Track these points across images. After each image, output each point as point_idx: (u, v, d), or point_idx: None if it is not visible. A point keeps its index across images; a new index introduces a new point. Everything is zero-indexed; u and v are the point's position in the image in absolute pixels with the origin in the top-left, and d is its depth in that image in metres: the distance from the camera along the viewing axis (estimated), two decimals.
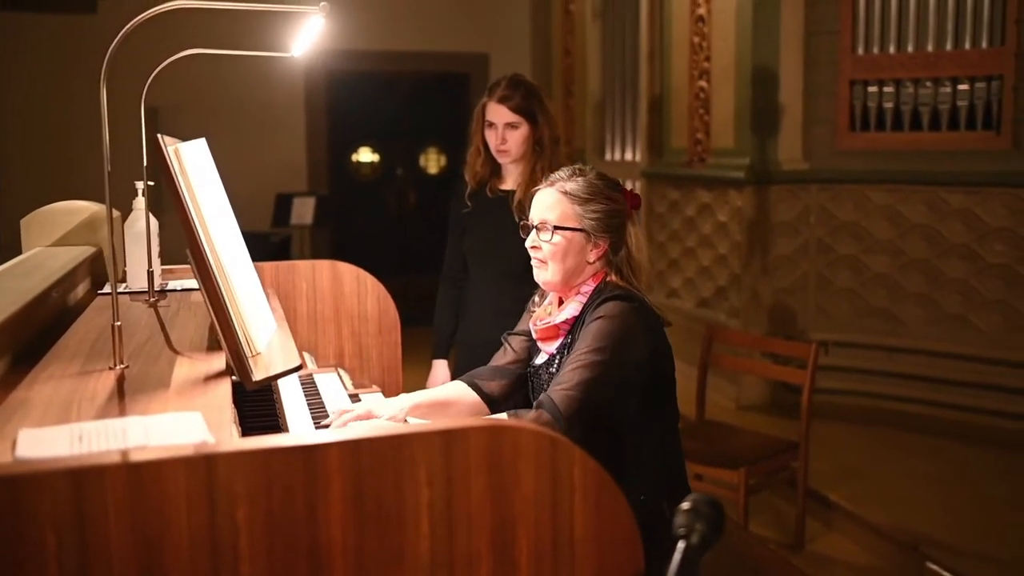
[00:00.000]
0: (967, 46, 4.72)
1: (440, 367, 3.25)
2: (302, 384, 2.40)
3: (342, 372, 2.75)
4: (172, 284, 2.64)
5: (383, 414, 2.03)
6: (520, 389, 2.26)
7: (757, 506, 4.00)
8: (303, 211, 7.36)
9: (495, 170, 3.11)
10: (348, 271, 2.98)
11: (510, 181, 3.08)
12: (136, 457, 1.11)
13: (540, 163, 3.00)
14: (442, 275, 3.29)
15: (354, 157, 8.61)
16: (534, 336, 2.18)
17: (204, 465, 1.13)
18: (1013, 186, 4.64)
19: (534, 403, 2.02)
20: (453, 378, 3.21)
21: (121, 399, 1.50)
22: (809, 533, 3.88)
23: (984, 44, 4.67)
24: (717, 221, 5.43)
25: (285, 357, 1.76)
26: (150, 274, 2.40)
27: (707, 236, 5.52)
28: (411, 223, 8.63)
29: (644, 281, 2.11)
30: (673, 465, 2.15)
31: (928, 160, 4.90)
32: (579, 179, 2.09)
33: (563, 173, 2.13)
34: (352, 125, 8.34)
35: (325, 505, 1.17)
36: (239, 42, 3.21)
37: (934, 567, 3.44)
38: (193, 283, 2.66)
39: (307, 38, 2.11)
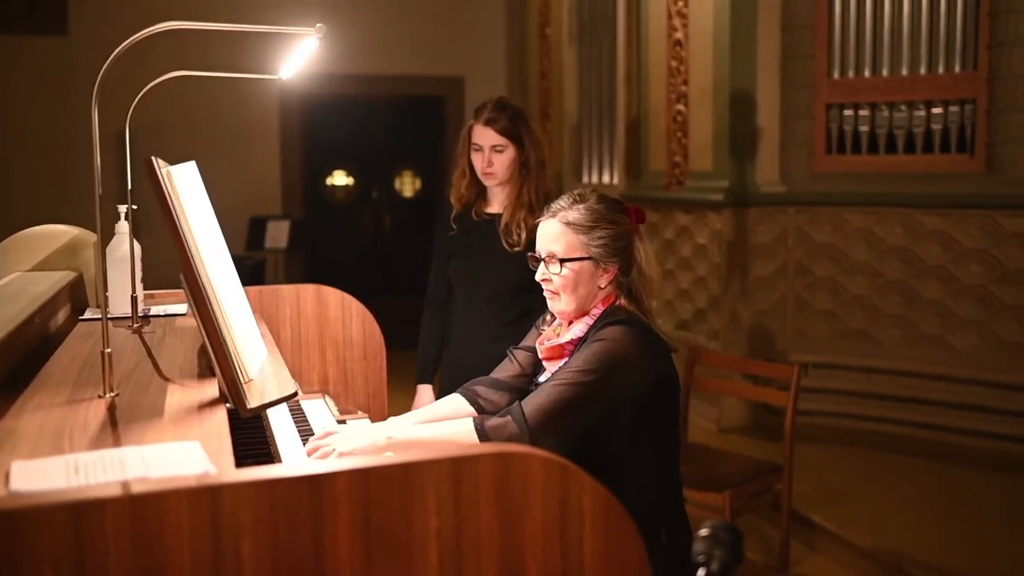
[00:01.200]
0: (940, 70, 4.79)
1: (425, 392, 3.22)
2: (290, 411, 2.36)
3: (328, 398, 2.71)
4: (155, 309, 2.59)
5: (358, 444, 1.95)
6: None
7: (741, 528, 3.98)
8: (277, 235, 7.30)
9: (481, 193, 3.09)
10: (333, 295, 2.94)
11: (496, 204, 3.06)
12: (137, 489, 1.08)
13: (526, 186, 2.99)
14: (426, 298, 3.26)
15: (329, 180, 8.57)
16: (540, 355, 2.17)
17: (208, 497, 1.10)
18: (987, 208, 4.69)
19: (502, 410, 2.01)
20: None
21: (114, 428, 1.46)
22: (793, 555, 3.87)
23: (957, 68, 4.75)
24: (696, 243, 5.44)
25: (279, 384, 1.73)
26: (134, 300, 2.36)
27: (686, 258, 5.53)
28: (387, 246, 8.59)
29: (656, 295, 2.11)
30: (671, 492, 2.13)
31: (904, 182, 4.95)
32: (580, 207, 2.08)
33: (563, 202, 2.11)
34: (327, 148, 8.31)
35: (332, 535, 1.15)
36: (213, 63, 3.19)
37: None
38: (176, 308, 2.62)
39: (298, 60, 2.09)
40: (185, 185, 1.82)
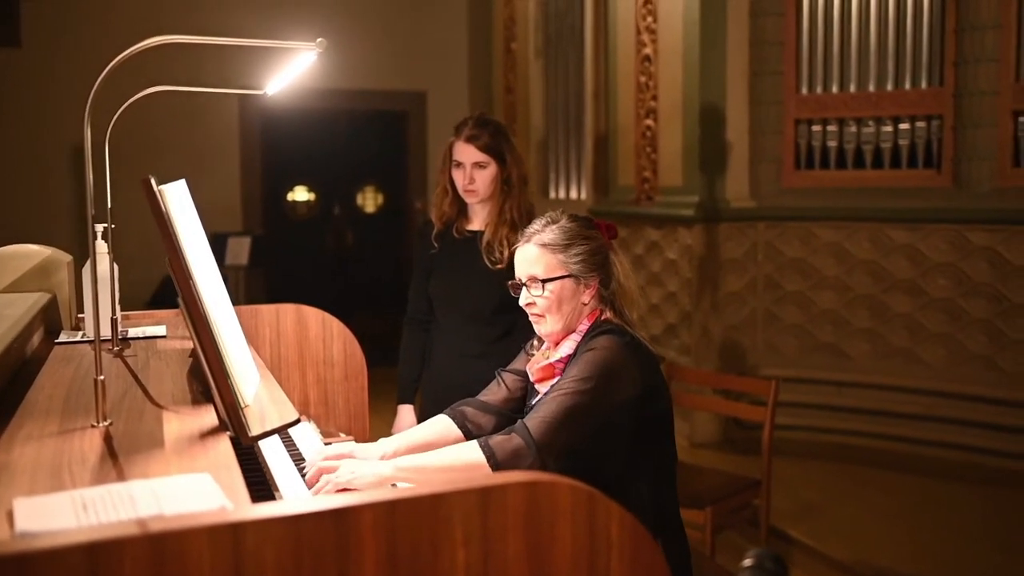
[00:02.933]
0: (907, 87, 4.86)
1: (406, 412, 3.16)
2: (279, 436, 2.29)
3: (310, 421, 2.65)
4: (132, 331, 2.51)
5: (358, 476, 1.89)
6: (504, 427, 2.20)
7: (719, 545, 3.97)
8: (238, 251, 7.18)
9: (462, 210, 3.05)
10: (313, 315, 2.88)
11: (477, 222, 3.02)
12: (155, 528, 1.02)
13: (508, 203, 2.95)
14: (406, 317, 3.20)
15: (290, 196, 8.46)
16: (531, 378, 2.17)
17: (230, 534, 1.04)
18: (954, 222, 4.76)
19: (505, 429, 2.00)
20: (419, 422, 3.14)
21: (115, 460, 1.39)
22: None
23: (924, 85, 4.82)
24: (666, 259, 5.45)
25: (279, 410, 1.67)
26: (114, 322, 2.28)
27: (656, 274, 5.53)
28: (349, 262, 8.50)
29: (636, 306, 2.14)
30: (667, 503, 2.12)
31: (872, 197, 5.01)
32: (553, 227, 2.10)
33: (537, 225, 2.14)
34: (287, 163, 8.20)
35: (357, 570, 1.10)
36: (178, 77, 3.10)
37: None
38: (155, 330, 2.54)
39: (289, 76, 2.03)
40: (177, 205, 1.76)
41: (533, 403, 2.15)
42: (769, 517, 3.77)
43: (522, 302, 2.12)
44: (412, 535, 1.11)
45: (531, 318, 2.13)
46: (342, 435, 2.75)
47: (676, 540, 2.11)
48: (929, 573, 3.60)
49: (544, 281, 2.06)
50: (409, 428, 3.12)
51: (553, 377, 2.09)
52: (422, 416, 3.13)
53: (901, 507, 4.29)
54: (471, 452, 1.91)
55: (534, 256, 2.09)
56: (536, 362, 2.15)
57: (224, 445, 1.47)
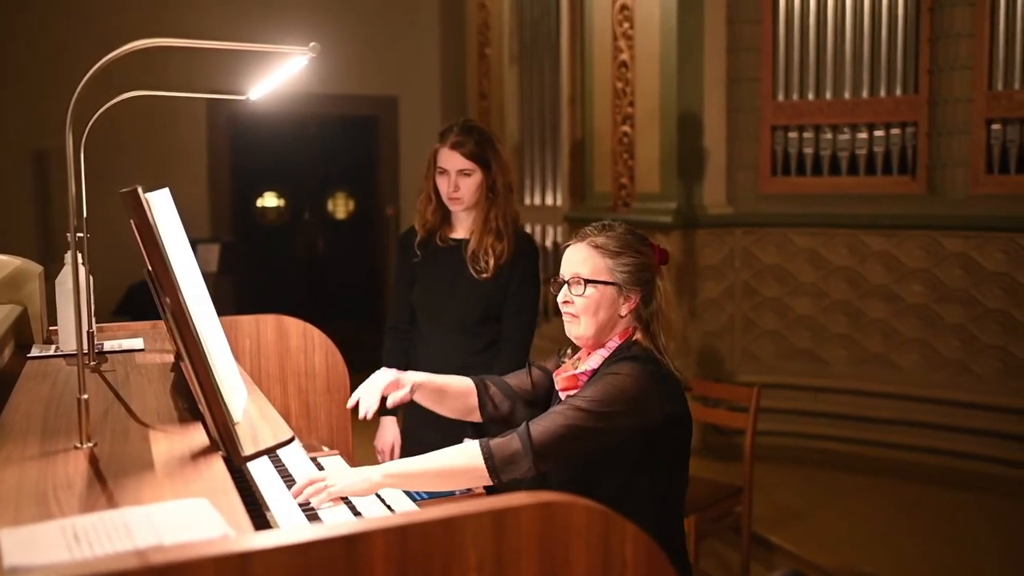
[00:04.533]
0: (882, 94, 4.88)
1: (389, 424, 3.11)
2: None
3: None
4: (108, 344, 2.44)
5: (347, 483, 1.90)
6: (519, 418, 2.20)
7: (700, 552, 3.96)
8: (208, 258, 7.07)
9: (446, 218, 2.99)
10: (295, 326, 2.81)
11: (461, 230, 2.97)
12: (157, 559, 0.96)
13: (493, 211, 2.91)
14: (387, 327, 3.14)
15: (259, 202, 8.33)
16: (556, 386, 2.15)
17: (237, 564, 0.99)
18: (929, 228, 4.79)
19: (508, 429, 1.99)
20: (402, 435, 3.08)
21: (104, 485, 1.33)
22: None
23: (899, 92, 4.85)
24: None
25: (272, 428, 1.61)
26: (90, 335, 2.21)
27: None
28: (320, 269, 8.40)
29: (675, 336, 2.12)
30: (671, 531, 2.10)
31: (848, 204, 5.02)
32: (609, 233, 2.09)
33: (592, 228, 2.12)
34: (256, 169, 8.07)
35: None
36: (143, 82, 3.01)
37: None
38: (132, 343, 2.47)
39: (275, 81, 1.97)
40: (163, 214, 1.69)
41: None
42: (751, 524, 3.76)
43: (560, 299, 2.10)
44: (424, 561, 1.07)
45: (564, 317, 2.11)
46: (325, 448, 2.70)
47: (678, 561, 2.08)
48: None
49: (588, 282, 2.04)
50: (393, 440, 3.07)
51: (576, 388, 2.08)
52: (405, 429, 3.08)
53: (880, 512, 4.31)
54: (470, 453, 1.91)
55: (583, 256, 2.07)
56: (564, 370, 2.14)
57: (218, 466, 1.41)
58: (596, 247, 2.06)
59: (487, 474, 1.88)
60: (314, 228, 8.46)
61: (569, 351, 2.22)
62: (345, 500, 1.95)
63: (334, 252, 8.43)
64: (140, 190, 1.45)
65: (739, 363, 5.36)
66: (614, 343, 2.07)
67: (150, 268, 1.61)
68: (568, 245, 2.14)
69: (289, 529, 1.04)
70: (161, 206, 1.70)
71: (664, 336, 2.07)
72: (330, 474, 1.93)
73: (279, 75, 1.91)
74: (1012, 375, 4.63)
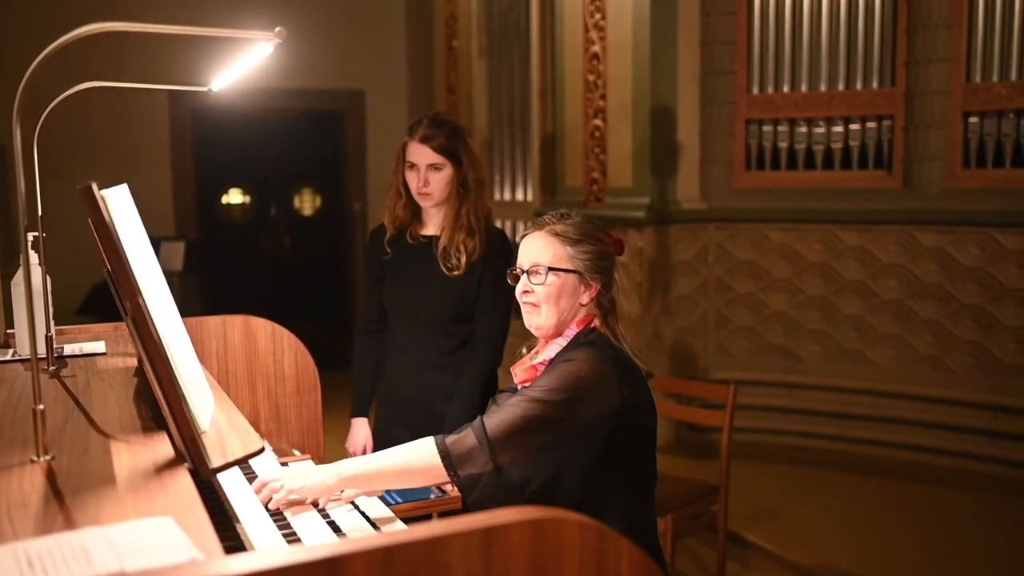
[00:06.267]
0: (858, 87, 4.85)
1: (360, 426, 3.01)
2: None
3: (263, 440, 2.49)
4: (68, 348, 2.33)
5: (303, 484, 1.87)
6: None
7: (676, 551, 3.92)
8: (172, 256, 6.92)
9: (416, 214, 2.90)
10: (263, 327, 2.72)
11: (432, 226, 2.88)
12: None
13: (465, 207, 2.82)
14: (359, 327, 3.06)
15: (224, 198, 8.18)
16: (514, 380, 2.10)
17: None
18: (904, 223, 4.77)
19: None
20: (374, 436, 3.00)
21: (61, 503, 1.23)
22: (728, 574, 3.82)
23: (875, 85, 4.81)
24: (616, 261, 5.36)
25: (241, 437, 1.52)
26: (49, 339, 2.10)
27: None
28: (287, 267, 8.27)
29: (628, 327, 2.11)
30: (642, 525, 2.04)
31: (822, 199, 4.99)
32: (568, 221, 2.06)
33: (550, 216, 2.09)
34: (221, 164, 7.92)
35: None
36: (100, 72, 2.89)
37: None
38: (93, 346, 2.36)
39: (239, 70, 1.87)
40: (121, 212, 1.60)
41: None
42: (727, 523, 3.72)
43: (519, 289, 2.06)
44: None
45: (524, 308, 2.06)
46: (296, 452, 2.61)
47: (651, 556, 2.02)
48: (883, 573, 3.61)
49: (550, 270, 2.00)
50: (364, 442, 2.99)
51: (533, 379, 2.02)
52: (376, 430, 3.00)
53: (855, 508, 4.29)
54: (426, 452, 1.88)
55: (543, 244, 2.03)
56: (521, 363, 2.09)
57: (184, 481, 1.32)
58: (556, 235, 2.03)
59: (444, 472, 1.86)
60: (281, 225, 8.33)
61: (523, 351, 2.17)
62: (318, 509, 1.88)
63: (301, 249, 8.30)
64: (95, 186, 1.35)
65: (712, 360, 5.32)
66: (571, 332, 2.03)
67: (109, 268, 1.52)
68: (525, 234, 2.10)
69: (264, 552, 0.96)
70: (119, 203, 1.60)
71: (622, 325, 2.06)
72: (285, 474, 1.89)
73: (243, 64, 1.81)
74: (986, 371, 4.62)
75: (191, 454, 1.40)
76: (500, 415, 1.89)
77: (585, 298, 2.03)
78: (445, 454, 1.86)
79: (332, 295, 8.21)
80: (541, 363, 2.02)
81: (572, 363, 1.92)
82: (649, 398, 2.02)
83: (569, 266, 2.01)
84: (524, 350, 2.17)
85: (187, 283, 7.21)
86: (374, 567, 0.98)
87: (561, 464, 1.94)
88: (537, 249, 2.03)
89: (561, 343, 2.02)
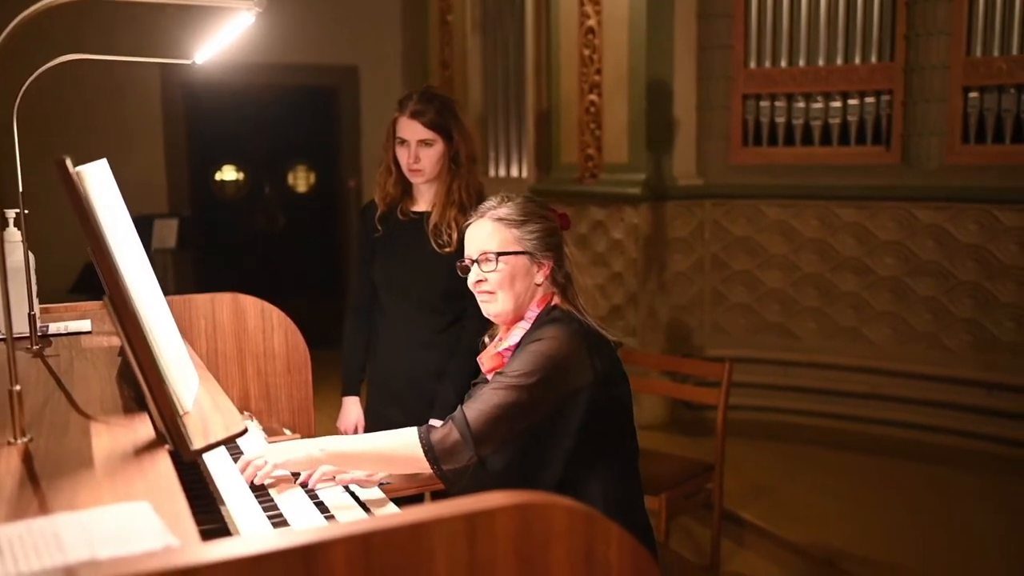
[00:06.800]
0: (857, 61, 4.79)
1: (351, 405, 2.99)
2: None
3: (252, 419, 2.47)
4: (53, 327, 2.29)
5: (288, 457, 1.86)
6: None
7: (672, 528, 3.91)
8: (165, 234, 6.87)
9: (407, 190, 2.86)
10: (252, 305, 2.68)
11: (423, 202, 2.84)
12: None
13: (456, 183, 2.78)
14: (349, 304, 3.02)
15: (217, 175, 8.11)
16: (482, 370, 2.08)
17: None
18: (902, 199, 4.73)
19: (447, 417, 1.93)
20: (366, 415, 2.97)
21: (36, 487, 1.20)
22: (723, 553, 3.81)
23: (874, 59, 4.75)
24: (612, 239, 5.33)
25: (224, 418, 1.49)
26: (31, 318, 2.07)
27: (601, 254, 5.41)
28: (281, 244, 8.22)
29: (588, 301, 2.07)
30: (629, 494, 2.03)
31: (820, 175, 4.94)
32: (509, 204, 2.06)
33: (491, 202, 2.08)
34: (214, 141, 7.85)
35: None
36: (90, 46, 2.84)
37: None
38: (79, 325, 2.33)
39: (221, 42, 1.83)
40: (99, 188, 1.55)
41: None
42: (722, 501, 3.71)
43: (472, 280, 2.03)
44: (390, 571, 0.97)
45: (480, 298, 2.04)
46: (286, 431, 2.59)
47: (639, 534, 2.00)
48: (881, 553, 3.60)
49: (499, 255, 1.98)
50: (356, 421, 2.96)
51: (501, 366, 2.00)
52: (368, 409, 2.97)
53: (850, 487, 4.28)
54: (409, 443, 1.86)
55: (488, 231, 2.01)
56: (486, 352, 2.07)
57: (164, 464, 1.29)
58: (500, 219, 2.01)
59: (427, 464, 1.85)
60: (275, 202, 8.28)
61: (486, 339, 2.15)
62: (308, 489, 1.85)
63: (296, 226, 8.26)
64: (68, 161, 1.31)
65: (708, 337, 5.29)
66: (533, 312, 2.01)
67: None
68: (468, 224, 2.08)
69: (240, 540, 0.93)
70: (97, 178, 1.56)
71: (579, 298, 2.04)
72: (269, 450, 1.88)
73: (224, 35, 1.77)
74: (983, 348, 4.60)
75: (172, 436, 1.36)
76: (479, 405, 1.87)
77: (540, 277, 2.01)
78: (428, 448, 1.84)
79: (327, 272, 8.18)
80: (507, 349, 2.01)
81: (541, 342, 1.90)
82: (621, 370, 2.01)
83: (518, 248, 1.99)
84: (486, 339, 2.15)
85: (181, 260, 7.17)
86: (353, 555, 0.96)
87: (542, 447, 1.93)
88: (483, 236, 2.01)
89: (525, 326, 2.01)
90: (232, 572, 0.90)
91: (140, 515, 1.07)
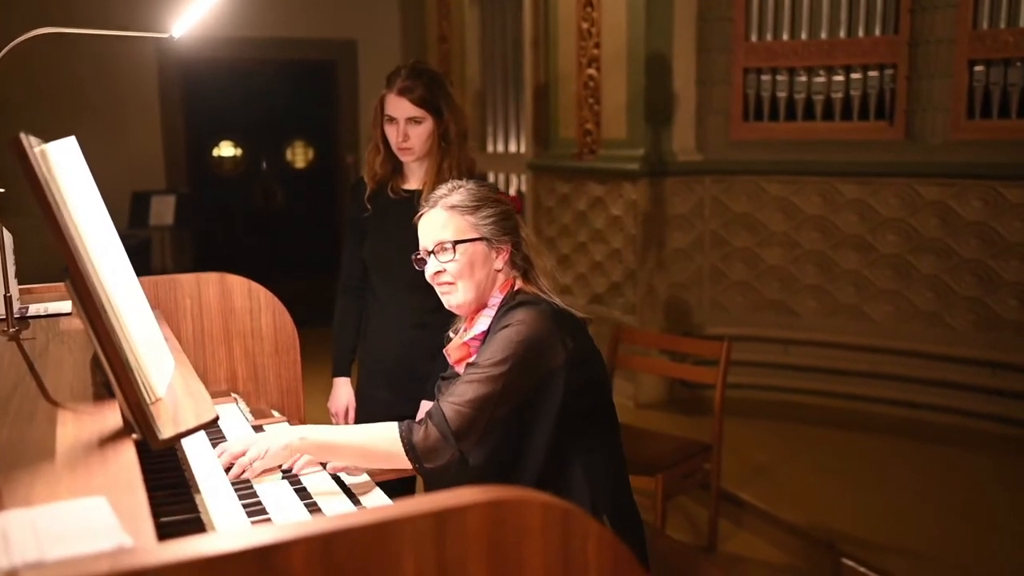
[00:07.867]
0: (861, 34, 4.70)
1: (342, 386, 2.94)
2: None
3: (239, 400, 2.42)
4: (33, 308, 2.24)
5: (270, 456, 1.80)
6: None
7: (668, 510, 3.87)
8: (162, 210, 6.83)
9: (397, 168, 2.80)
10: (239, 284, 2.63)
11: (414, 180, 2.78)
12: None
13: (447, 160, 2.72)
14: (340, 285, 2.97)
15: (215, 151, 8.07)
16: (450, 362, 2.04)
17: None
18: (905, 176, 4.65)
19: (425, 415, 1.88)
20: (356, 396, 2.93)
21: None
22: (721, 533, 3.78)
23: (878, 32, 4.66)
24: (610, 215, 5.26)
25: (196, 405, 1.44)
26: (7, 299, 2.02)
27: (600, 231, 5.35)
28: (279, 221, 8.18)
29: (548, 274, 2.03)
30: (613, 474, 1.99)
31: (822, 150, 4.86)
32: (460, 191, 2.02)
33: (442, 191, 2.04)
34: (211, 117, 7.81)
35: None
36: (80, 20, 2.77)
37: (850, 563, 3.38)
38: (59, 306, 2.28)
39: (196, 14, 1.76)
40: (64, 166, 1.50)
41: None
42: (720, 481, 3.68)
43: (429, 272, 2.00)
44: (353, 574, 0.92)
45: (440, 290, 2.01)
46: (275, 413, 2.55)
47: (624, 522, 1.95)
48: (879, 534, 3.56)
49: (456, 243, 1.94)
50: (347, 402, 2.92)
51: (469, 356, 1.96)
52: (359, 390, 2.93)
53: (849, 466, 4.24)
54: (390, 440, 1.81)
55: (442, 220, 1.98)
56: (452, 344, 2.03)
57: (127, 455, 1.24)
58: (452, 207, 1.98)
59: (408, 462, 1.82)
60: (272, 178, 8.23)
61: (451, 333, 2.11)
62: (292, 474, 1.81)
63: (294, 203, 8.21)
64: (25, 137, 1.25)
65: (707, 315, 5.24)
66: (497, 299, 1.98)
67: None
68: (420, 215, 2.03)
69: (195, 540, 0.88)
70: (63, 156, 1.50)
71: (542, 279, 2.00)
72: (251, 446, 1.82)
73: (198, 6, 1.70)
74: (986, 327, 4.54)
75: (139, 424, 1.32)
76: (455, 400, 1.83)
77: (499, 262, 1.98)
78: (410, 447, 1.80)
79: (325, 249, 8.15)
80: (474, 338, 1.97)
81: (511, 328, 1.86)
82: (593, 348, 1.97)
83: (474, 235, 1.96)
84: (451, 334, 2.11)
85: (178, 237, 7.14)
86: (313, 557, 0.91)
87: (523, 436, 1.89)
88: (437, 226, 1.97)
89: (490, 314, 1.98)
90: (184, 574, 0.85)
91: (95, 512, 1.03)
